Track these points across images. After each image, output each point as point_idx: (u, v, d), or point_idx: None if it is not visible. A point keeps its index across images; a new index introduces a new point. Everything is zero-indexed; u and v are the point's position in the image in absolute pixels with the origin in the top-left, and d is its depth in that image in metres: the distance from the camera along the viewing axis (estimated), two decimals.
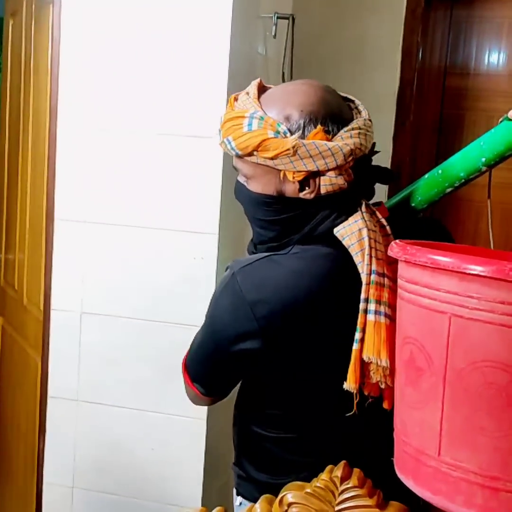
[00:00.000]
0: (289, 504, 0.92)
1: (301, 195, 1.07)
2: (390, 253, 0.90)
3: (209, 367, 1.16)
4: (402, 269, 0.90)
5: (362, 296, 1.01)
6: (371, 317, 1.00)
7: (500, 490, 0.79)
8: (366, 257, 1.03)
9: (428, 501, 0.87)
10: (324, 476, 0.92)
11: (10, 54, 2.06)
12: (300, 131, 1.04)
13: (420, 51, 2.70)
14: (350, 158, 1.04)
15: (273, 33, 1.72)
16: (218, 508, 0.97)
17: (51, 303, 1.62)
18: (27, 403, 1.84)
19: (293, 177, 1.04)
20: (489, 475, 0.79)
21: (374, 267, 1.02)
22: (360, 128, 1.08)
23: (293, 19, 1.73)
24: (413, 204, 1.23)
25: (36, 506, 1.73)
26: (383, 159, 2.77)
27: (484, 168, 1.13)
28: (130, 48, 1.50)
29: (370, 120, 1.12)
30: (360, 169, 1.09)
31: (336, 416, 1.05)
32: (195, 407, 1.51)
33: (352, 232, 1.06)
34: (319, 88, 1.10)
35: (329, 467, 0.94)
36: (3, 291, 2.15)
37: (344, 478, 0.91)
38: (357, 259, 1.04)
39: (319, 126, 1.04)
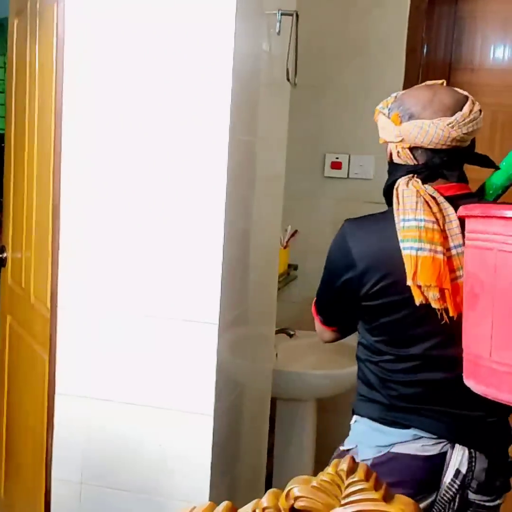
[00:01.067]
0: (296, 498, 0.93)
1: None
2: (458, 214, 1.34)
3: (326, 298, 1.59)
4: (466, 224, 1.30)
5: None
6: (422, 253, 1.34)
7: None
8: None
9: (484, 395, 1.24)
10: (330, 469, 0.93)
11: (15, 53, 2.07)
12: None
13: (425, 46, 2.70)
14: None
15: (277, 30, 1.72)
16: (225, 502, 0.98)
17: (57, 300, 1.63)
18: (35, 400, 1.85)
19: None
20: None
21: (417, 215, 1.35)
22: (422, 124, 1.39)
23: (297, 16, 1.73)
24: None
25: (45, 502, 1.74)
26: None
27: None
28: (133, 47, 1.51)
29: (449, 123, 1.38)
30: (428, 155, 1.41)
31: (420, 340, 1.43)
32: (203, 403, 1.53)
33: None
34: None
35: (335, 461, 0.94)
36: (11, 289, 2.16)
37: (349, 472, 0.92)
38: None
39: (395, 112, 1.44)
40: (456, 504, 1.47)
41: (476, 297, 1.24)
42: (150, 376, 1.56)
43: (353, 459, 0.94)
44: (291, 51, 1.76)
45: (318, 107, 2.79)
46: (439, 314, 1.35)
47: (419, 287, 1.34)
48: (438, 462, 1.45)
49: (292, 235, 2.72)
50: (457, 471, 1.45)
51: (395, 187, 1.44)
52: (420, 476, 1.44)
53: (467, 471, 1.45)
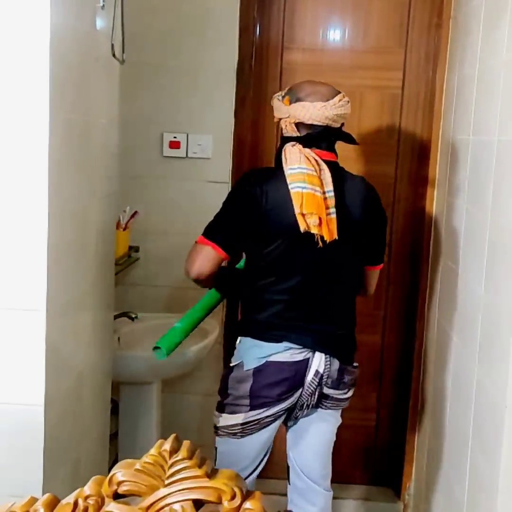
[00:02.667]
0: (119, 483, 0.91)
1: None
2: None
3: (226, 221, 1.92)
4: None
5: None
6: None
7: None
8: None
9: None
10: (153, 451, 0.92)
11: None
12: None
13: (258, 25, 2.73)
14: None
15: (101, 4, 1.66)
16: (47, 495, 0.95)
17: None
18: None
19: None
20: None
21: (301, 165, 1.84)
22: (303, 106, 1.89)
23: None
24: None
25: None
26: (225, 134, 2.79)
27: None
28: None
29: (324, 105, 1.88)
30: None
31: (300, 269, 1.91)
32: (32, 393, 1.47)
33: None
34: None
35: (159, 442, 0.94)
36: None
37: (173, 451, 0.91)
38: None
39: (286, 97, 1.93)
40: (315, 397, 1.98)
41: None
42: None
43: (177, 438, 0.94)
44: (116, 26, 1.71)
45: (153, 85, 2.75)
46: (316, 239, 1.82)
47: (303, 216, 1.79)
48: (303, 366, 1.93)
49: (132, 216, 2.67)
50: (317, 372, 1.94)
51: (283, 149, 1.91)
52: (289, 376, 1.92)
53: (324, 371, 1.95)
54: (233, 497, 0.89)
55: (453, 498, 2.12)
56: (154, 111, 2.76)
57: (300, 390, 1.94)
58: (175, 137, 2.76)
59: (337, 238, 1.84)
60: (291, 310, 1.93)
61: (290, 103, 1.90)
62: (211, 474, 0.91)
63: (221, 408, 1.98)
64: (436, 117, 2.70)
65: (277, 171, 1.89)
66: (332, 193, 1.85)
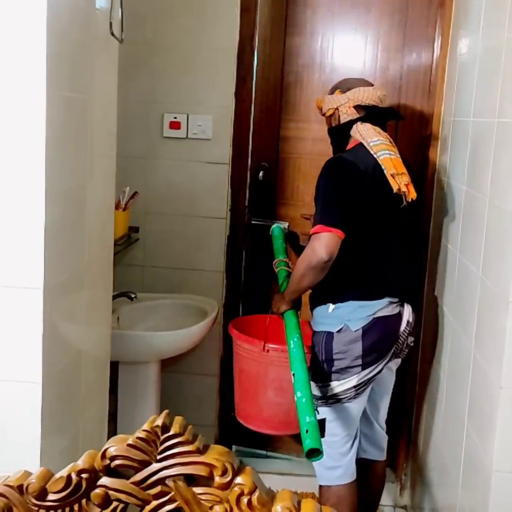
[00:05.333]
0: (112, 457, 0.92)
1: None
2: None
3: (342, 208, 2.02)
4: None
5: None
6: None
7: None
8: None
9: None
10: (145, 426, 0.93)
11: None
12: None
13: (258, 6, 2.71)
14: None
15: None
16: (41, 469, 0.96)
17: None
18: None
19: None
20: None
21: (380, 137, 2.13)
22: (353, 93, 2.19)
23: None
24: None
25: None
26: (226, 115, 2.78)
27: None
28: None
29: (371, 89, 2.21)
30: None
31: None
32: (30, 371, 1.48)
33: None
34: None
35: (152, 417, 0.95)
36: None
37: (165, 427, 0.92)
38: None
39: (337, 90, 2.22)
40: (405, 345, 2.17)
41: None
42: None
43: (169, 414, 0.95)
44: (116, 5, 1.70)
45: (154, 65, 2.74)
46: (403, 197, 2.06)
47: (394, 177, 2.03)
48: (398, 317, 2.12)
49: (132, 196, 2.67)
50: (408, 322, 2.15)
51: (353, 129, 2.15)
52: (393, 329, 2.11)
53: (412, 321, 2.16)
54: (224, 472, 0.90)
55: (449, 478, 2.14)
56: (154, 91, 2.76)
57: (397, 340, 2.14)
58: (175, 118, 2.75)
59: (414, 199, 2.08)
60: (387, 269, 2.13)
61: (344, 93, 2.19)
62: (203, 449, 0.92)
63: (328, 377, 2.09)
64: (438, 99, 2.68)
65: (356, 149, 2.14)
66: (397, 155, 2.11)
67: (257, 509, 0.90)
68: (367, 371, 2.08)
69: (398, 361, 2.27)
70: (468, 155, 2.14)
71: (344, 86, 2.22)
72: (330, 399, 2.09)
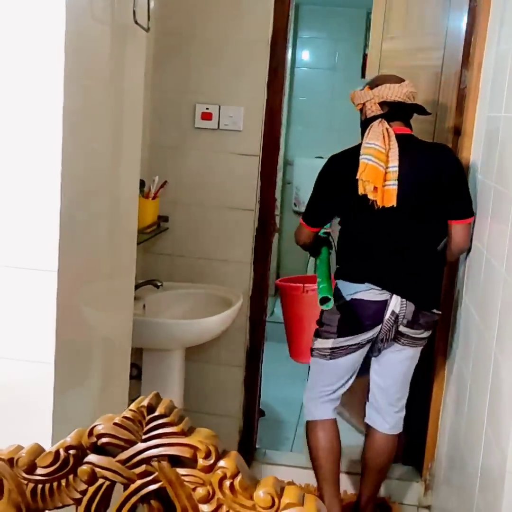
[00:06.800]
0: (98, 435, 0.94)
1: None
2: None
3: (315, 206, 2.48)
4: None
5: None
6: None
7: None
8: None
9: None
10: (132, 406, 0.94)
11: None
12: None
13: None
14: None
15: None
16: (32, 443, 0.98)
17: None
18: None
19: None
20: None
21: (376, 142, 2.25)
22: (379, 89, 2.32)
23: None
24: None
25: None
26: (257, 107, 2.78)
27: None
28: None
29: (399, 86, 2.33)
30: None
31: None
32: (42, 351, 1.51)
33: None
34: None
35: (139, 398, 0.96)
36: None
37: (151, 408, 0.93)
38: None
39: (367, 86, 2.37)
40: (392, 333, 2.39)
41: None
42: None
43: (157, 395, 0.96)
44: None
45: (186, 55, 2.76)
46: (371, 202, 2.25)
47: (362, 181, 2.23)
48: (383, 305, 2.34)
49: (162, 186, 2.70)
50: (393, 312, 2.34)
51: (370, 126, 2.29)
52: (370, 312, 2.35)
53: (400, 312, 2.34)
54: (207, 455, 0.91)
55: (468, 480, 2.10)
56: (187, 82, 2.78)
57: (380, 325, 2.37)
58: (207, 109, 2.77)
59: (395, 205, 2.24)
60: (371, 259, 2.36)
61: (371, 89, 2.32)
62: (188, 432, 0.93)
63: (317, 334, 2.47)
64: (473, 95, 2.63)
65: (356, 146, 2.32)
66: (395, 168, 2.24)
67: (239, 493, 0.90)
68: (341, 339, 2.41)
69: (400, 347, 2.45)
70: (498, 151, 2.10)
71: (374, 82, 2.36)
72: (314, 351, 2.49)
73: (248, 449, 3.07)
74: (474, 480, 1.99)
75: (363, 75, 5.50)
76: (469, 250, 2.45)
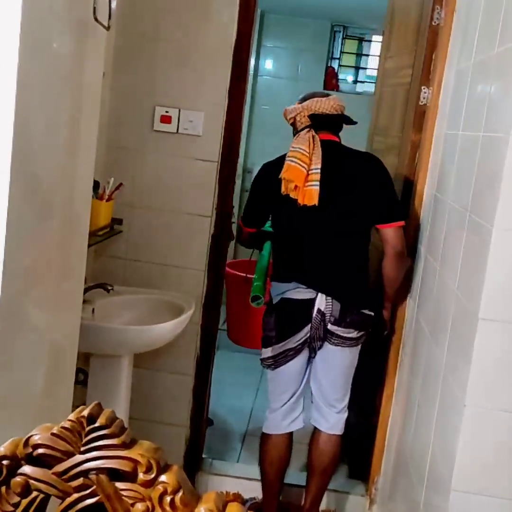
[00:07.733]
0: (34, 445, 0.90)
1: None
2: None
3: (250, 207, 2.63)
4: None
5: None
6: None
7: None
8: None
9: None
10: (71, 416, 0.90)
11: None
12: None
13: (257, 2, 2.68)
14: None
15: None
16: None
17: None
18: None
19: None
20: None
21: (302, 146, 2.40)
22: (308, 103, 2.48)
23: None
24: None
25: None
26: (218, 113, 2.75)
27: None
28: None
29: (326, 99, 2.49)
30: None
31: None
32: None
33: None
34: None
35: (79, 408, 0.92)
36: None
37: (91, 418, 0.89)
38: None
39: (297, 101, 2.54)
40: (321, 331, 2.44)
41: None
42: None
43: (98, 404, 0.92)
44: None
45: (148, 57, 2.72)
46: (297, 204, 2.35)
47: (284, 180, 2.35)
48: (310, 303, 2.42)
49: (117, 188, 2.65)
50: (319, 310, 2.42)
51: (297, 134, 2.45)
52: (299, 311, 2.43)
53: (326, 310, 2.42)
54: (148, 469, 0.87)
55: (413, 495, 2.10)
56: (147, 84, 2.74)
57: (309, 324, 2.43)
58: (167, 112, 2.73)
59: (317, 205, 2.33)
60: (297, 258, 2.46)
61: (301, 103, 2.49)
62: (130, 444, 0.89)
63: (262, 342, 2.53)
64: (432, 112, 2.65)
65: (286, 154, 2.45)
66: (318, 170, 2.35)
67: (179, 509, 0.87)
68: (278, 345, 2.47)
69: (338, 349, 2.49)
70: (455, 168, 2.12)
71: (303, 98, 2.53)
72: (261, 363, 2.56)
73: (195, 459, 3.03)
74: (419, 495, 1.99)
75: (325, 87, 5.55)
76: (414, 255, 2.52)
